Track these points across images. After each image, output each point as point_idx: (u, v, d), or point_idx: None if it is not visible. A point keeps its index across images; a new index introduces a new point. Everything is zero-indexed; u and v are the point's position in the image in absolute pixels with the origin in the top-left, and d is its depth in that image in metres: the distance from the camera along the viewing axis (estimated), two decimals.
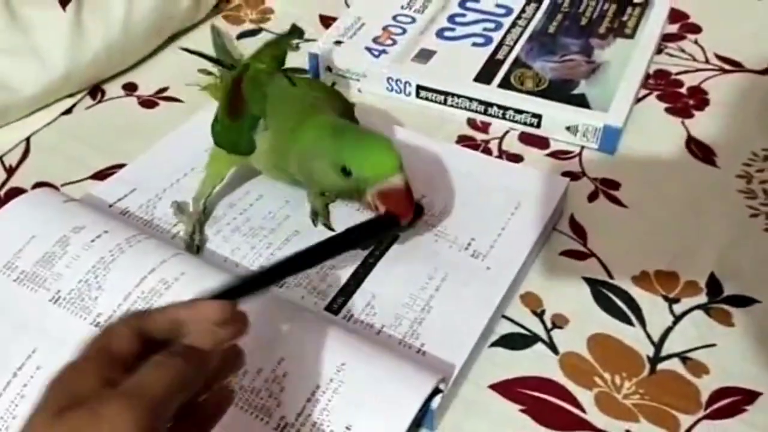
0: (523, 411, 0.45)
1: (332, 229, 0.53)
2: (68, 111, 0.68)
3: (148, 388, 0.27)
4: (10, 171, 0.61)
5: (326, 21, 0.78)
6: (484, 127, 0.66)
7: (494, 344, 0.48)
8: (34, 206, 0.51)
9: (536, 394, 0.45)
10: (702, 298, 0.51)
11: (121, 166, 0.60)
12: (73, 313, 0.45)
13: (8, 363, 0.43)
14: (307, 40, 0.75)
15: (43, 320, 0.45)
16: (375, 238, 0.50)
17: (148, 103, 0.69)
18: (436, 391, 0.41)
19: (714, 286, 0.52)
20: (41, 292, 0.46)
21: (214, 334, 0.31)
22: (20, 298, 0.46)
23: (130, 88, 0.71)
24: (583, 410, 0.45)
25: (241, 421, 0.40)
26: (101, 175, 0.60)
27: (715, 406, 0.45)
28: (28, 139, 0.64)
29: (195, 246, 0.51)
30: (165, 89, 0.70)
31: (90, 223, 0.49)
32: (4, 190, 0.59)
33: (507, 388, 0.46)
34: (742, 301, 0.51)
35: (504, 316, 0.50)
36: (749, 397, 0.45)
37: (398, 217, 0.46)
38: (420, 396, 0.40)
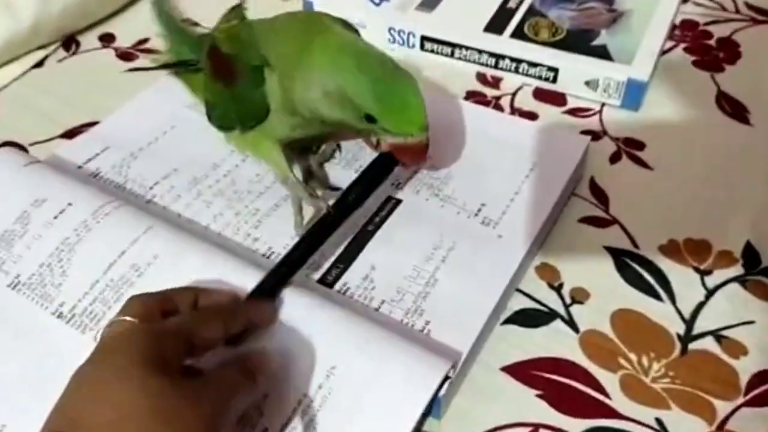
0: (539, 396, 0.40)
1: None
2: (39, 64, 0.62)
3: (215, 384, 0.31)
4: None
5: None
6: (495, 82, 0.60)
7: (507, 321, 0.43)
8: None
9: (554, 377, 0.41)
10: (738, 270, 0.46)
11: (95, 123, 0.55)
12: (33, 300, 0.40)
13: None
14: None
15: None
16: (378, 185, 0.45)
17: (126, 55, 0.63)
18: (443, 379, 0.36)
19: (750, 255, 0.47)
20: None
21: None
22: None
23: (107, 39, 0.65)
24: (607, 395, 0.40)
25: None
26: (73, 133, 0.54)
27: (756, 391, 0.40)
28: None
29: (302, 221, 0.46)
30: (145, 41, 0.64)
31: (53, 193, 0.44)
32: None
33: (521, 371, 0.41)
34: None
35: (518, 290, 0.45)
36: None
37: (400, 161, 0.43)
38: (424, 395, 0.35)
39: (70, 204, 0.43)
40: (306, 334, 0.37)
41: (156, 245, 0.41)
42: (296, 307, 0.38)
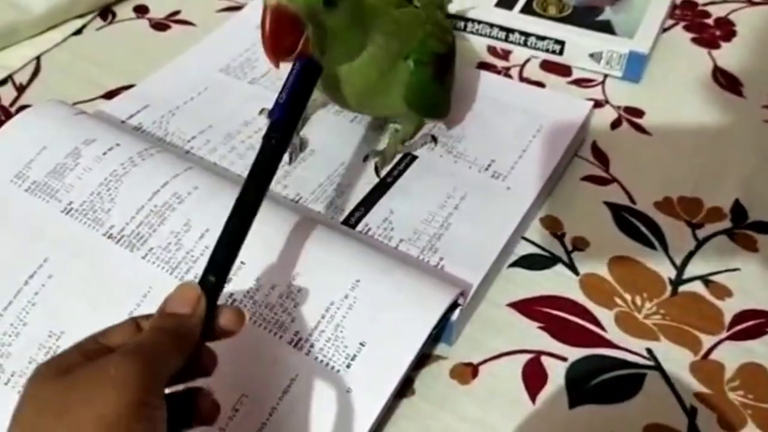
0: (541, 328, 0.44)
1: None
2: (78, 32, 0.66)
3: (147, 346, 0.29)
4: (21, 89, 0.60)
5: None
6: (505, 55, 0.64)
7: (513, 264, 0.47)
8: (45, 118, 0.50)
9: (555, 312, 0.45)
10: (726, 224, 0.50)
11: (132, 86, 0.58)
12: (85, 224, 0.44)
13: (20, 271, 0.42)
14: None
15: (54, 231, 0.44)
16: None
17: (159, 25, 0.67)
18: (454, 306, 0.41)
19: (738, 212, 0.51)
20: (53, 202, 0.45)
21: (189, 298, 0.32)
22: (32, 208, 0.45)
23: (142, 10, 0.69)
24: (602, 328, 0.44)
25: (255, 336, 0.39)
26: (112, 95, 0.58)
27: (738, 327, 0.44)
28: (38, 58, 0.63)
29: (298, 150, 0.50)
30: (177, 12, 0.68)
31: (101, 135, 0.48)
32: (14, 107, 0.58)
33: (525, 307, 0.45)
34: (767, 228, 0.49)
35: (524, 238, 0.49)
36: None
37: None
38: (438, 310, 0.39)
39: (117, 144, 0.47)
40: (335, 253, 0.41)
41: (196, 179, 0.45)
42: (324, 232, 0.43)
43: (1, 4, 0.61)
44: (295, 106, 0.37)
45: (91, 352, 0.29)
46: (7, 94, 0.59)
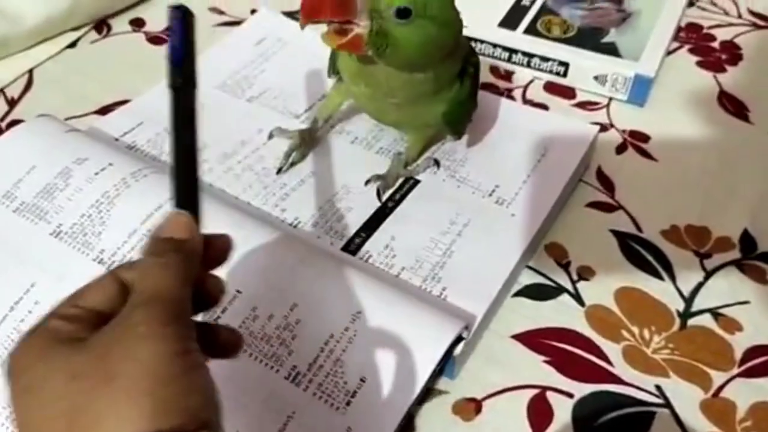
0: (547, 362, 0.42)
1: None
2: (72, 45, 0.65)
3: (164, 289, 0.26)
4: (12, 103, 0.58)
5: None
6: (508, 76, 0.63)
7: (517, 294, 0.46)
8: (36, 135, 0.48)
9: (561, 345, 0.43)
10: (735, 254, 0.49)
11: (127, 102, 0.57)
12: (74, 248, 0.42)
13: (5, 296, 0.41)
14: None
15: (43, 254, 0.42)
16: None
17: (156, 39, 0.66)
18: (458, 339, 0.39)
19: (747, 242, 0.49)
20: (42, 224, 0.43)
21: (183, 222, 0.29)
22: (20, 230, 0.43)
23: (138, 23, 0.67)
24: (610, 363, 0.42)
25: (251, 370, 0.37)
26: (106, 110, 0.57)
27: (749, 363, 0.43)
28: (30, 72, 0.61)
29: (288, 162, 0.50)
30: None
31: (94, 154, 0.46)
32: (5, 122, 0.56)
33: (530, 339, 0.43)
34: None
35: (528, 267, 0.47)
36: None
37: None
38: (441, 346, 0.38)
39: (110, 164, 0.45)
40: (335, 283, 0.40)
41: None
42: (324, 260, 0.41)
43: None
44: (189, 51, 0.34)
45: (75, 317, 0.26)
46: None
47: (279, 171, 0.50)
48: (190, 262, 0.28)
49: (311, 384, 0.36)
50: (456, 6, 0.44)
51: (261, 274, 0.40)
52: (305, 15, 0.39)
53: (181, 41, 0.33)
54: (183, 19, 0.34)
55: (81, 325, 0.26)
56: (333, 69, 0.50)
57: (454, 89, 0.46)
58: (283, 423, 0.35)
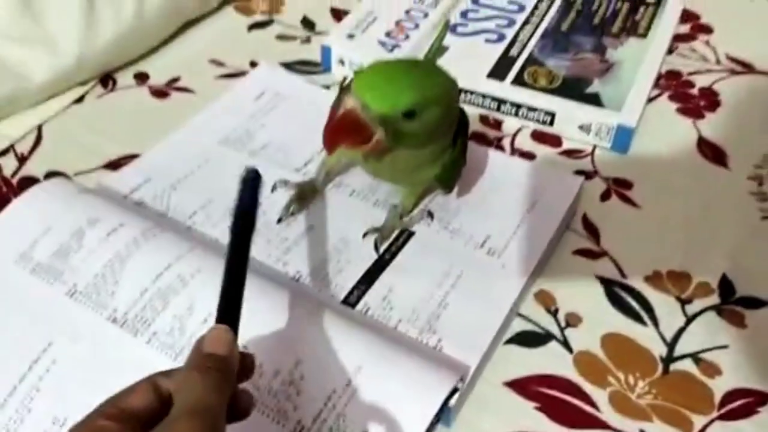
0: (537, 408, 0.45)
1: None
2: (79, 99, 0.67)
3: (205, 400, 0.29)
4: (22, 159, 0.61)
5: (338, 14, 0.78)
6: (497, 125, 0.66)
7: (509, 341, 0.48)
8: (50, 197, 0.51)
9: (550, 391, 0.46)
10: (714, 299, 0.51)
11: (133, 155, 0.60)
12: (89, 307, 0.45)
13: (24, 355, 0.43)
14: (319, 33, 0.76)
15: (59, 314, 0.44)
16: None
17: (159, 93, 0.68)
18: (453, 390, 0.41)
19: (726, 287, 0.52)
20: (57, 285, 0.46)
21: (225, 339, 0.32)
22: (36, 290, 0.45)
23: (142, 77, 0.70)
24: (597, 409, 0.45)
25: (257, 424, 0.40)
26: (114, 165, 0.60)
27: (729, 407, 0.45)
28: (39, 128, 0.64)
29: (288, 212, 0.53)
30: (176, 79, 0.70)
31: (105, 215, 0.49)
32: (16, 178, 0.59)
33: (521, 386, 0.46)
34: (754, 303, 0.51)
35: (519, 314, 0.50)
36: (762, 398, 0.45)
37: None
38: (438, 398, 0.40)
39: (121, 225, 0.48)
40: (337, 338, 0.42)
41: (199, 261, 0.46)
42: (326, 316, 0.44)
43: (2, 73, 0.62)
44: (254, 206, 0.39)
45: (119, 418, 0.29)
46: (9, 164, 0.60)
47: (279, 221, 0.53)
48: (228, 379, 0.31)
49: None
50: (452, 80, 0.48)
51: (266, 330, 0.42)
52: (328, 147, 0.43)
53: (250, 198, 0.39)
54: (255, 180, 0.40)
55: (124, 426, 0.28)
56: None
57: (448, 154, 0.49)
58: None
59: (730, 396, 0.46)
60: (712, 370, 0.47)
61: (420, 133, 0.45)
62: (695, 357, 0.48)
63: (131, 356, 0.42)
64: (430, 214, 0.54)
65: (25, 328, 0.44)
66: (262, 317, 0.43)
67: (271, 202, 0.54)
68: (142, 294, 0.44)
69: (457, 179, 0.53)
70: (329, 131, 0.43)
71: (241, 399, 0.33)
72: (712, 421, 0.44)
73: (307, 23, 0.78)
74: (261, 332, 0.42)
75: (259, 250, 0.51)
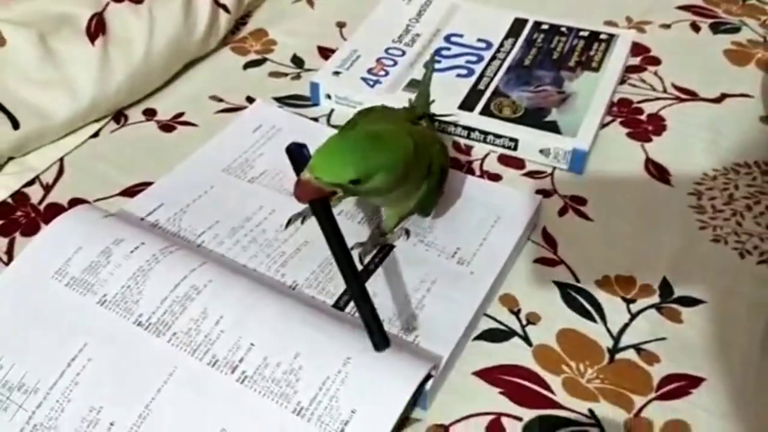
0: (501, 393, 0.52)
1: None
2: (95, 134, 0.74)
3: None
4: (47, 188, 0.68)
5: (324, 52, 0.86)
6: (467, 150, 0.74)
7: (477, 338, 0.56)
8: (79, 221, 0.58)
9: (513, 379, 0.53)
10: (655, 299, 0.59)
11: (146, 183, 0.67)
12: (117, 314, 0.52)
13: (63, 355, 0.50)
14: (308, 70, 0.84)
15: (91, 320, 0.52)
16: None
17: (166, 127, 0.76)
18: (428, 377, 0.49)
19: (666, 288, 0.59)
20: (89, 295, 0.53)
21: None
22: (71, 300, 0.53)
23: (150, 113, 0.78)
24: (552, 392, 0.52)
25: (264, 406, 0.47)
26: (129, 192, 0.67)
27: (665, 389, 0.52)
28: (61, 160, 0.71)
29: (292, 223, 0.62)
30: (181, 114, 0.77)
31: (128, 235, 0.56)
32: (42, 205, 0.66)
33: (488, 375, 0.53)
34: (690, 302, 0.58)
35: (486, 314, 0.57)
36: (694, 382, 0.52)
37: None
38: (414, 381, 0.48)
39: (143, 243, 0.55)
40: (329, 333, 0.50)
41: (209, 273, 0.53)
42: (319, 317, 0.51)
43: (27, 113, 0.69)
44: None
45: None
46: (36, 193, 0.68)
47: (287, 225, 0.61)
48: None
49: (313, 416, 0.46)
50: (406, 146, 0.54)
51: (270, 329, 0.50)
52: (299, 201, 0.52)
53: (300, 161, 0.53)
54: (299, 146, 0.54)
55: None
56: None
57: (422, 189, 0.57)
58: None
59: (667, 380, 0.53)
60: (652, 359, 0.54)
61: (374, 191, 0.53)
62: (637, 348, 0.55)
63: (155, 353, 0.49)
64: (407, 232, 0.62)
65: (63, 332, 0.51)
66: (267, 319, 0.51)
67: (269, 223, 0.62)
68: (162, 301, 0.52)
69: (435, 206, 0.61)
70: (296, 194, 0.51)
71: None
72: (650, 401, 0.52)
73: (297, 61, 0.86)
74: (266, 331, 0.50)
75: (260, 263, 0.58)
